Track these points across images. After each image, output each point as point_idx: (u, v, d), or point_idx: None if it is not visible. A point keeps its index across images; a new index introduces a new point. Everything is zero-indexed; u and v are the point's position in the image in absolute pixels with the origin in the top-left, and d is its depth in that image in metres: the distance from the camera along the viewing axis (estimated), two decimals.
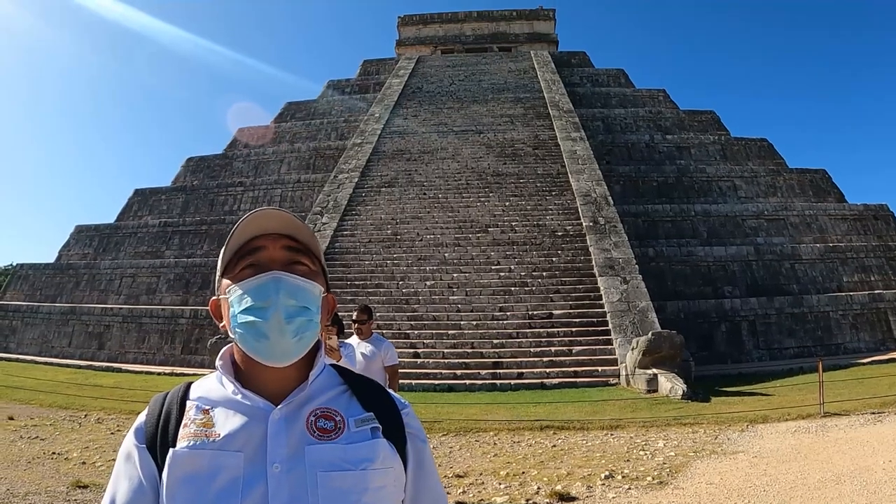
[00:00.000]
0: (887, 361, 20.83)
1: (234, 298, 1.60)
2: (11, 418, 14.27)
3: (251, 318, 1.55)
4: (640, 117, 40.61)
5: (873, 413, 12.58)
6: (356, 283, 24.94)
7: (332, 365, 1.78)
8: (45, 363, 26.09)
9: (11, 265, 47.04)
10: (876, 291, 26.24)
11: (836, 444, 10.13)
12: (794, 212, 31.09)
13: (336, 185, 32.11)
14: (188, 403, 1.63)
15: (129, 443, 1.61)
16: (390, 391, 1.78)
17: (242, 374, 1.65)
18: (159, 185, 39.71)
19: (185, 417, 1.59)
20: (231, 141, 43.66)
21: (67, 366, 25.23)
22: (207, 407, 1.60)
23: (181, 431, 1.56)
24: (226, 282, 1.65)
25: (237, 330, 1.58)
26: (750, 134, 40.05)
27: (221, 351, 1.71)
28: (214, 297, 1.71)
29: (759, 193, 33.20)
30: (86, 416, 14.74)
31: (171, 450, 1.52)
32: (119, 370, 23.73)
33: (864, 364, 20.31)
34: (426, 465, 1.73)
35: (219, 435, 1.53)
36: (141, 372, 23.23)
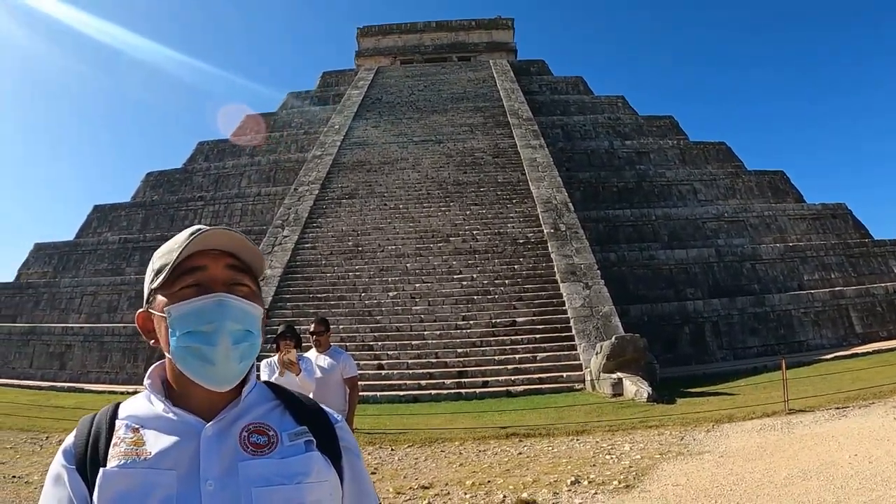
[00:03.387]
0: (850, 357, 21.01)
1: (174, 320, 1.52)
2: None
3: (195, 344, 1.50)
4: (600, 124, 40.83)
5: (837, 408, 12.60)
6: (318, 295, 24.67)
7: (265, 382, 1.74)
8: (5, 385, 25.41)
9: None
10: (837, 288, 26.56)
11: (801, 440, 10.11)
12: (754, 213, 31.42)
13: (296, 197, 31.84)
14: (117, 423, 1.57)
15: (57, 464, 1.55)
16: (324, 406, 1.74)
17: (173, 391, 1.60)
18: (119, 202, 39.07)
19: (114, 437, 1.54)
20: (191, 155, 43.15)
21: (28, 387, 24.58)
22: (137, 426, 1.55)
23: (111, 451, 1.50)
24: (161, 299, 1.57)
25: (178, 354, 1.52)
26: (708, 138, 40.32)
27: (150, 369, 1.65)
28: (142, 311, 1.64)
29: (719, 196, 33.50)
30: (47, 437, 14.30)
31: (101, 469, 1.47)
32: (82, 390, 23.12)
33: (827, 360, 20.45)
34: (361, 480, 1.69)
35: (150, 453, 1.48)
36: (104, 391, 22.64)
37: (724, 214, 31.18)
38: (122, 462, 1.47)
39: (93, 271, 33.58)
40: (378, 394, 18.63)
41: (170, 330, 1.53)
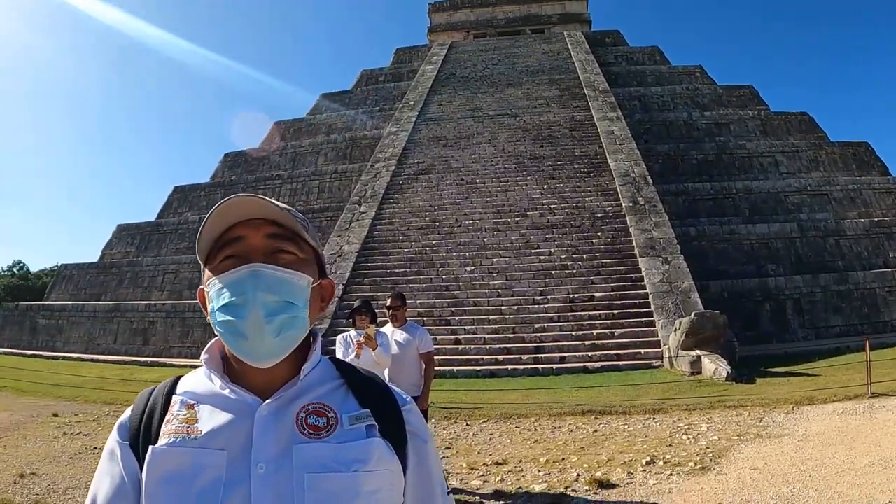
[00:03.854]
0: None
1: (212, 293, 1.48)
2: (56, 415, 14.57)
3: (228, 317, 1.44)
4: (678, 94, 40.06)
5: None
6: (396, 270, 25.03)
7: (331, 358, 1.66)
8: (91, 360, 26.59)
9: (57, 266, 48.17)
10: None
11: (884, 426, 9.90)
12: (838, 186, 30.40)
13: (373, 173, 32.21)
14: (174, 398, 1.53)
15: (112, 440, 1.53)
16: (392, 386, 1.65)
17: (232, 368, 1.54)
18: (198, 182, 40.19)
19: (168, 413, 1.50)
20: (267, 135, 44.04)
21: (113, 362, 25.70)
22: (192, 402, 1.50)
23: (163, 428, 1.47)
24: (208, 273, 1.53)
25: (217, 328, 1.47)
26: (790, 108, 39.07)
27: (210, 343, 1.60)
28: (201, 287, 1.57)
29: (801, 168, 32.53)
30: None
31: (150, 447, 1.43)
32: (164, 365, 24.01)
33: None
34: (428, 467, 1.59)
35: (201, 432, 1.43)
36: (186, 366, 23.41)
37: (807, 188, 30.27)
38: (172, 440, 1.43)
39: (174, 250, 34.70)
40: (455, 368, 18.87)
41: (210, 304, 1.49)
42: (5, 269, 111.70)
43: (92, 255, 53.77)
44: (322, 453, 1.41)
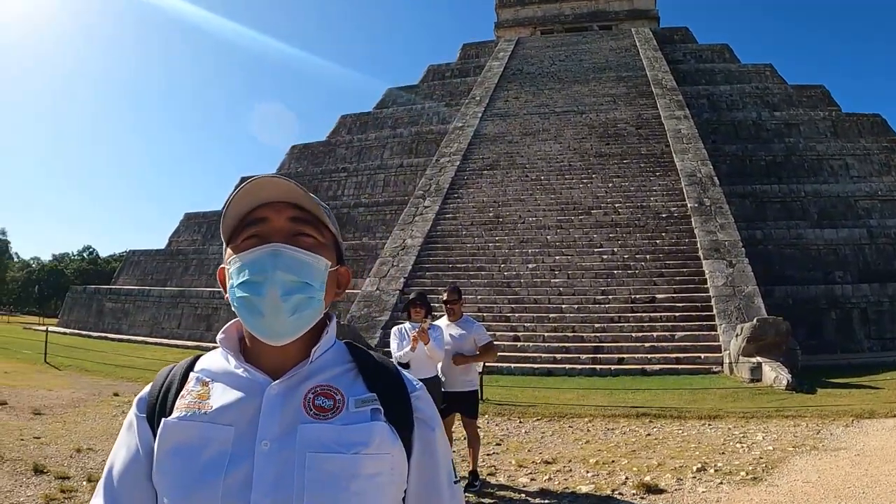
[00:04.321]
0: None
1: (232, 270, 1.53)
2: (116, 394, 15.19)
3: (246, 294, 1.47)
4: (747, 94, 39.38)
5: None
6: (458, 265, 25.25)
7: (347, 342, 1.68)
8: (155, 343, 27.55)
9: (126, 252, 49.78)
10: None
11: None
12: None
13: (438, 168, 32.46)
14: (191, 375, 1.58)
15: (131, 412, 1.59)
16: (404, 372, 1.67)
17: (247, 348, 1.58)
18: (265, 173, 40.91)
19: (184, 389, 1.55)
20: (334, 128, 44.65)
21: (176, 346, 26.55)
22: (208, 379, 1.55)
23: (178, 402, 1.52)
24: (230, 252, 1.58)
25: (234, 304, 1.51)
26: (861, 110, 37.97)
27: (227, 324, 1.64)
28: (222, 266, 1.62)
29: (873, 172, 31.65)
30: None
31: (163, 419, 1.49)
32: None
33: None
34: (434, 454, 1.60)
35: (211, 407, 1.47)
36: None
37: (878, 192, 29.49)
38: (184, 414, 1.48)
39: None
40: (512, 365, 19.02)
41: (229, 281, 1.54)
42: (76, 253, 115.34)
43: (159, 242, 55.27)
44: (325, 434, 1.44)
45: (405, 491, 1.56)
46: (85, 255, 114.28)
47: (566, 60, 47.16)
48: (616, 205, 27.77)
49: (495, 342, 9.37)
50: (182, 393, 1.54)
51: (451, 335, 8.11)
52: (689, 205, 26.31)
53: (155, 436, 1.49)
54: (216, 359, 1.60)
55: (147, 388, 1.62)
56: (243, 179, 35.86)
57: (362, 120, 44.08)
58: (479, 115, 38.19)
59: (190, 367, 1.61)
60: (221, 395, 1.49)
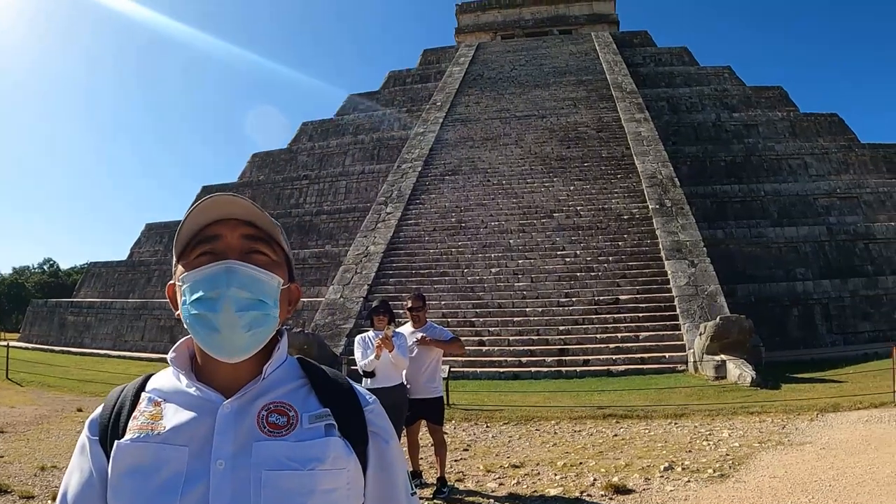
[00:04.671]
0: None
1: (185, 287, 1.51)
2: (80, 410, 14.81)
3: (201, 311, 1.46)
4: (706, 95, 39.72)
5: None
6: (421, 271, 25.08)
7: (299, 358, 1.68)
8: (119, 357, 27.00)
9: (87, 264, 49.03)
10: None
11: None
12: (868, 189, 29.96)
13: (400, 174, 32.29)
14: (143, 395, 1.56)
15: (83, 435, 1.56)
16: (356, 386, 1.67)
17: (198, 365, 1.57)
18: (226, 181, 40.53)
19: (136, 410, 1.52)
20: (295, 135, 44.34)
21: (140, 359, 26.02)
22: (160, 399, 1.53)
23: (130, 424, 1.49)
24: (181, 269, 1.55)
25: (188, 321, 1.49)
26: (818, 110, 38.52)
27: (178, 343, 1.63)
28: (171, 282, 1.61)
29: (831, 171, 32.11)
30: None
31: (116, 442, 1.47)
32: None
33: None
34: (390, 467, 1.61)
35: (165, 428, 1.45)
36: None
37: (837, 190, 29.87)
38: (137, 435, 1.45)
39: None
40: (478, 370, 18.88)
41: (182, 298, 1.51)
42: (36, 266, 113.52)
43: (121, 253, 54.50)
44: (280, 451, 1.43)
45: None
46: (45, 267, 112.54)
47: (527, 65, 47.25)
48: (578, 208, 27.78)
49: None
50: (134, 414, 1.52)
51: (416, 342, 8.05)
52: (650, 206, 26.38)
53: (108, 458, 1.47)
54: (167, 378, 1.58)
55: (98, 410, 1.59)
56: (205, 189, 35.47)
57: (324, 127, 43.80)
58: (441, 120, 38.09)
59: (141, 388, 1.59)
60: (174, 416, 1.48)
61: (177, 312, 1.57)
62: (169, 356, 1.59)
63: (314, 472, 1.43)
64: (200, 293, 1.46)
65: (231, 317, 1.44)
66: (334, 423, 1.52)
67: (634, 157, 30.47)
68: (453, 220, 28.29)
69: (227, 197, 1.53)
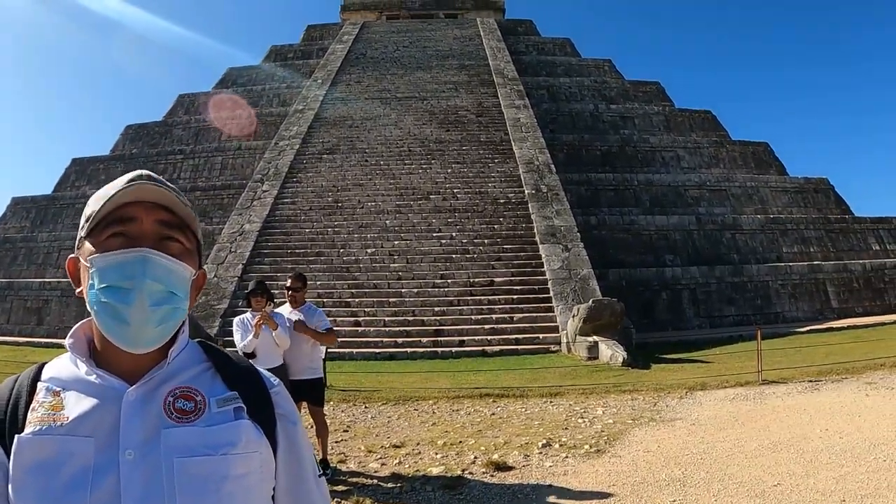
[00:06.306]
0: (825, 331, 21.23)
1: (94, 271, 1.40)
2: None
3: (111, 300, 1.37)
4: (586, 87, 40.51)
5: (810, 381, 12.67)
6: (297, 251, 24.53)
7: (199, 341, 1.61)
8: None
9: None
10: (815, 262, 26.80)
11: (773, 411, 10.14)
12: (736, 183, 31.38)
13: (277, 151, 31.48)
14: (39, 385, 1.45)
15: None
16: (260, 369, 1.62)
17: (96, 350, 1.48)
18: (98, 155, 38.41)
19: (34, 401, 1.42)
20: (171, 108, 42.45)
21: (5, 343, 24.20)
22: (58, 388, 1.43)
23: (29, 416, 1.39)
24: (88, 247, 1.44)
25: (94, 308, 1.40)
26: (694, 106, 40.07)
27: (75, 327, 1.52)
28: (73, 256, 1.50)
29: (702, 164, 33.42)
30: None
31: (16, 436, 1.35)
32: (59, 346, 22.52)
33: (802, 333, 20.62)
34: (298, 449, 1.57)
35: (67, 419, 1.36)
36: None
37: (707, 183, 31.11)
38: (38, 428, 1.35)
39: (71, 225, 32.94)
40: (354, 350, 18.62)
41: (90, 282, 1.42)
42: None
43: None
44: (190, 437, 1.38)
45: (273, 488, 1.52)
46: None
47: (410, 47, 46.96)
48: (455, 190, 27.79)
49: (336, 328, 9.40)
50: (32, 405, 1.41)
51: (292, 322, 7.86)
52: (526, 191, 26.66)
53: (8, 455, 1.35)
54: (65, 365, 1.49)
55: None
56: (75, 161, 33.43)
57: (201, 100, 42.16)
58: (321, 98, 37.35)
59: (37, 377, 1.49)
60: (76, 405, 1.39)
61: (78, 290, 1.49)
62: (67, 342, 1.50)
63: (227, 456, 1.38)
64: (112, 281, 1.38)
65: (144, 311, 1.38)
66: (243, 406, 1.47)
67: (513, 143, 30.72)
68: (330, 199, 27.79)
69: (149, 179, 1.46)
